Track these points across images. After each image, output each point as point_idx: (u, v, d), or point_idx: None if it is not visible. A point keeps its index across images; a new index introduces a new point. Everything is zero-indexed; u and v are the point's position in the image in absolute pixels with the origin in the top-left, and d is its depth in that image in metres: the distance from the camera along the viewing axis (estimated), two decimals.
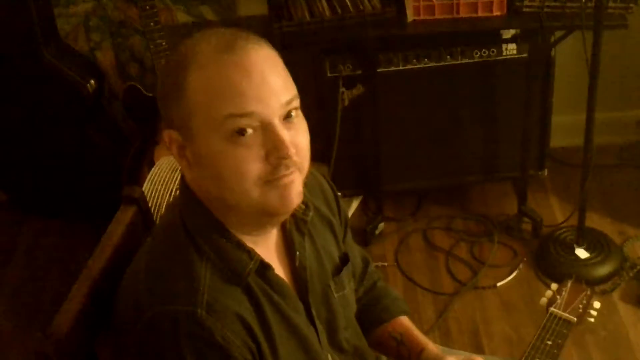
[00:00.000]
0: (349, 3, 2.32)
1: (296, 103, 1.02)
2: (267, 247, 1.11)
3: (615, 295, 2.32)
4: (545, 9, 2.27)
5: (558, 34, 2.39)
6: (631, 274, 2.37)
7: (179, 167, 1.85)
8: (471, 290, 2.41)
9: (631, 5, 2.24)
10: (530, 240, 2.56)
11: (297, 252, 1.14)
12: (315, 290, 1.16)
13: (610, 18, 2.20)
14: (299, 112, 1.03)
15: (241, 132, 0.97)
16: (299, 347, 1.09)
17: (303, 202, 1.11)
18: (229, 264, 1.02)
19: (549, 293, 1.41)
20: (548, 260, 2.45)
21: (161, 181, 1.84)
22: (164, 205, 1.78)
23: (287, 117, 1.00)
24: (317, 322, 1.15)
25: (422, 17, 2.32)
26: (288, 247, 1.14)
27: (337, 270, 1.22)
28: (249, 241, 1.06)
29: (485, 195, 2.78)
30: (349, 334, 1.23)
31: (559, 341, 1.31)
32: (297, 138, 1.01)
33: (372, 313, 1.35)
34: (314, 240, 1.18)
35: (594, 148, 2.26)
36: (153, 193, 1.81)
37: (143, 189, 1.84)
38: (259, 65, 0.98)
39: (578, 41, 2.15)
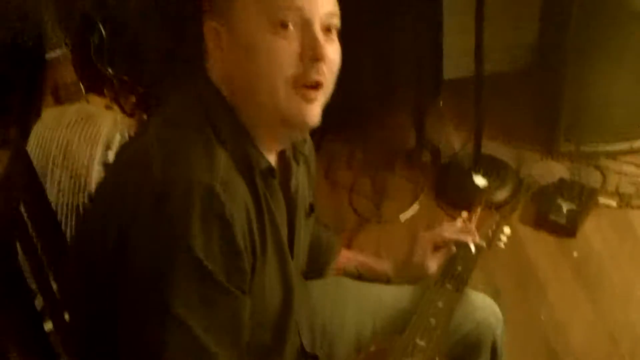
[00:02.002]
0: None
1: (337, 22, 1.03)
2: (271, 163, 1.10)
3: (514, 217, 2.38)
4: None
5: None
6: (528, 196, 2.44)
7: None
8: (375, 224, 2.41)
9: None
10: (430, 170, 2.57)
11: (293, 179, 1.14)
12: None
13: None
14: (336, 36, 1.04)
15: (284, 24, 0.98)
16: (278, 264, 1.08)
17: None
18: (244, 155, 1.01)
19: (459, 221, 1.41)
20: (447, 188, 2.47)
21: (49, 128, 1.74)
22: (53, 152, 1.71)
23: (327, 30, 1.02)
24: (295, 248, 1.16)
25: None
26: (283, 174, 1.13)
27: (307, 214, 1.23)
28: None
29: (385, 129, 2.76)
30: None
31: (469, 266, 1.31)
32: (331, 54, 1.02)
33: (318, 258, 1.38)
34: (298, 177, 1.18)
35: (484, 74, 2.27)
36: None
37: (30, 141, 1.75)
38: None
39: None
